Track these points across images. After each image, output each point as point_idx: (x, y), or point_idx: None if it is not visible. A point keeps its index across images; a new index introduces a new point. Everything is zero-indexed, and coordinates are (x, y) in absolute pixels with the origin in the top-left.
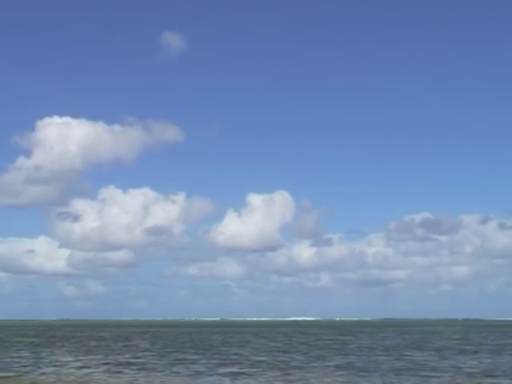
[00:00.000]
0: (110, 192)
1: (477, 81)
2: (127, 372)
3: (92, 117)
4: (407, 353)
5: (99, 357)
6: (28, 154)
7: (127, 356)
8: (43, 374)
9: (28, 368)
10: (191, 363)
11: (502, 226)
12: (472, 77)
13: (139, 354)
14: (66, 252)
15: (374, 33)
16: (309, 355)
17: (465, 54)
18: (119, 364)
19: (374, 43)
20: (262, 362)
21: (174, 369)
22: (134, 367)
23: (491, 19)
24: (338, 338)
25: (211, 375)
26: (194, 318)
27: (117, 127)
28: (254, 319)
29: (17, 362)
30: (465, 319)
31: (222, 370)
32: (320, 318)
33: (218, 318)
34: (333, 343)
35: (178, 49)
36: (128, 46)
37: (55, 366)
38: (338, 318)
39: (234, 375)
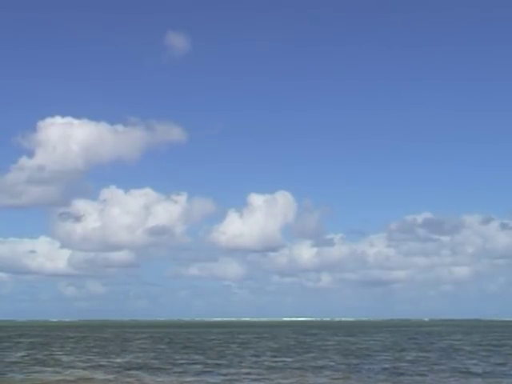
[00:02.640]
0: (112, 192)
1: (478, 83)
2: (128, 372)
3: (94, 117)
4: (418, 353)
5: (100, 357)
6: (30, 154)
7: (128, 356)
8: (43, 374)
9: (28, 369)
10: (193, 364)
11: (503, 227)
12: (473, 78)
13: (140, 355)
14: (66, 252)
15: (374, 35)
16: (316, 357)
17: (467, 55)
18: (120, 365)
19: (374, 45)
20: (265, 362)
21: (177, 369)
22: (134, 368)
23: (490, 22)
24: (336, 339)
25: (215, 377)
26: (196, 318)
27: (119, 127)
28: (255, 319)
29: (16, 363)
30: (465, 319)
31: (226, 371)
32: (321, 319)
33: (218, 319)
34: (337, 344)
35: (181, 49)
36: (131, 47)
37: (55, 366)
38: (338, 319)
39: (237, 376)
